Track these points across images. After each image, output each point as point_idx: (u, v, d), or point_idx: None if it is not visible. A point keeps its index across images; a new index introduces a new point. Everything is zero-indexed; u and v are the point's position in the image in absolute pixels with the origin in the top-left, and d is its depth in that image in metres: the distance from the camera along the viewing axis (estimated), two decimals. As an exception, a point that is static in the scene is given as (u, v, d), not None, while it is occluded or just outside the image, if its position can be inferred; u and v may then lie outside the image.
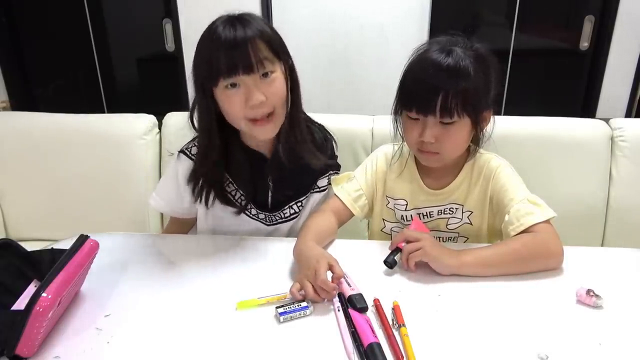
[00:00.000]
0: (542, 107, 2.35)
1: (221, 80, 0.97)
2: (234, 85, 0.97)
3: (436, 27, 2.16)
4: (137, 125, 1.60)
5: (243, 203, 1.13)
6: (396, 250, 0.98)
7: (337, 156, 1.24)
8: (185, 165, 1.12)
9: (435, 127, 1.01)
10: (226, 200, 1.12)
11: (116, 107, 2.52)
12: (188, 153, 1.12)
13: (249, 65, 0.95)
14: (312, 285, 0.87)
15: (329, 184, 1.21)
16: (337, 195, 1.17)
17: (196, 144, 1.11)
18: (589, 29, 2.21)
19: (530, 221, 0.99)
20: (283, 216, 1.18)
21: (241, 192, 1.13)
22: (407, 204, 1.17)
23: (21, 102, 2.44)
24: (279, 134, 1.07)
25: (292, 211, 1.18)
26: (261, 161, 1.12)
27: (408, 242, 0.97)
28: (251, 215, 1.17)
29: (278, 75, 1.01)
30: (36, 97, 2.56)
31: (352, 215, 1.18)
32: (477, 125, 1.04)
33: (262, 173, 1.12)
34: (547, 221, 1.00)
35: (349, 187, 1.18)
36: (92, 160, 1.63)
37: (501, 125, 1.51)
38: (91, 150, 1.64)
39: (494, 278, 0.94)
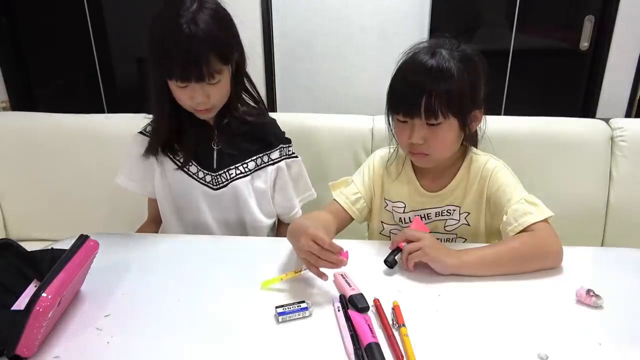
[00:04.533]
0: (542, 107, 2.35)
1: (174, 81, 1.08)
2: (185, 86, 1.09)
3: (436, 27, 2.16)
4: (137, 125, 1.59)
5: (184, 159, 1.21)
6: (396, 250, 0.98)
7: (284, 132, 1.31)
8: (140, 140, 1.23)
9: (423, 129, 1.02)
10: (171, 151, 1.21)
11: (116, 107, 2.51)
12: (144, 132, 1.25)
13: (200, 77, 1.06)
14: (316, 255, 0.88)
15: (286, 157, 1.27)
16: (335, 200, 1.18)
17: (151, 124, 1.24)
18: (589, 29, 2.21)
19: (529, 221, 1.00)
20: (229, 177, 1.22)
21: (185, 153, 1.21)
22: (405, 207, 1.18)
23: (21, 102, 2.44)
24: (226, 105, 1.19)
25: (237, 172, 1.23)
26: (207, 128, 1.22)
27: (408, 241, 0.97)
28: (198, 179, 1.22)
29: (224, 79, 1.12)
30: (36, 97, 2.55)
31: (352, 219, 1.18)
32: (465, 125, 1.04)
33: (207, 138, 1.22)
34: (545, 220, 1.00)
35: (347, 191, 1.19)
36: (92, 160, 1.63)
37: (501, 125, 1.53)
38: (91, 150, 1.64)
39: (494, 278, 0.94)
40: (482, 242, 1.15)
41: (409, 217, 1.17)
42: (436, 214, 1.16)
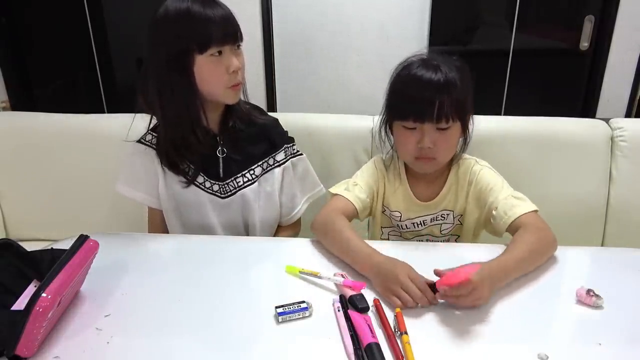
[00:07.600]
0: (542, 107, 2.35)
1: (211, 48, 1.07)
2: (220, 53, 1.08)
3: (436, 27, 2.16)
4: (136, 125, 1.59)
5: (191, 173, 1.19)
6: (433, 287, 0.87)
7: (287, 131, 1.30)
8: (142, 149, 1.21)
9: (433, 133, 1.08)
10: (177, 169, 1.19)
11: (116, 107, 2.51)
12: (144, 141, 1.22)
13: (235, 35, 1.10)
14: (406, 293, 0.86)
15: (291, 156, 1.26)
16: (347, 198, 1.15)
17: (151, 132, 1.22)
18: (589, 29, 2.21)
19: (518, 212, 1.04)
20: (237, 185, 1.22)
21: (192, 167, 1.19)
22: (401, 215, 1.21)
23: (21, 102, 2.43)
24: (229, 107, 1.20)
25: (245, 179, 1.22)
26: (211, 136, 1.20)
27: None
28: (205, 189, 1.21)
29: (242, 50, 1.15)
30: (36, 97, 2.55)
31: (355, 217, 1.18)
32: (466, 128, 1.13)
33: (213, 147, 1.20)
34: (534, 212, 1.05)
35: (356, 191, 1.18)
36: (92, 160, 1.63)
37: (501, 125, 1.53)
38: (91, 150, 1.64)
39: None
40: (470, 234, 1.20)
41: (406, 225, 1.21)
42: (431, 220, 1.19)
